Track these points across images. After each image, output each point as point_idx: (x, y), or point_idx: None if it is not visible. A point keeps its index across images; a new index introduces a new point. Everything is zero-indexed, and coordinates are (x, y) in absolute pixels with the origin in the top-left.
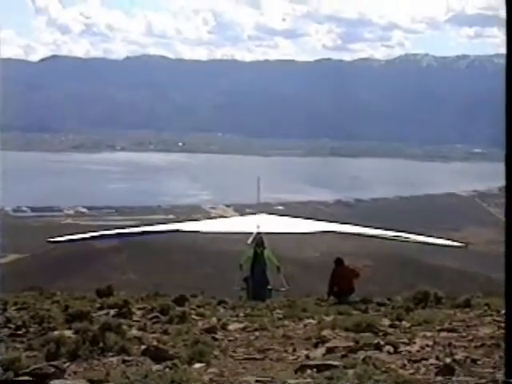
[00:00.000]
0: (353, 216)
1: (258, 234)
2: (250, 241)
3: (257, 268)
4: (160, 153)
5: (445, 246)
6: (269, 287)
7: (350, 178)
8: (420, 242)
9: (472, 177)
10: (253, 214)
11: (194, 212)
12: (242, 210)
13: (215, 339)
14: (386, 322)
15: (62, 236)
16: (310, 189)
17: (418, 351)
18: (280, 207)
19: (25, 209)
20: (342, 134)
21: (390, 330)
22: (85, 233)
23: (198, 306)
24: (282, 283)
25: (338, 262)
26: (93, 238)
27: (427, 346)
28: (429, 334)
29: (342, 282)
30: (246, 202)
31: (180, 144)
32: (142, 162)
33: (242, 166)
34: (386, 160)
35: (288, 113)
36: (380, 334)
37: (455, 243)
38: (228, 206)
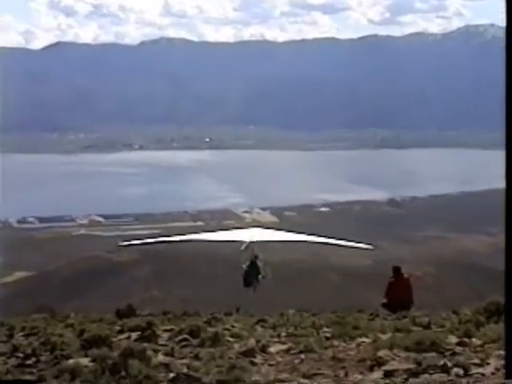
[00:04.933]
0: (409, 217)
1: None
2: (242, 247)
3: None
4: (184, 151)
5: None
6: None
7: (404, 172)
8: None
9: None
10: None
11: (225, 217)
12: (279, 214)
13: (254, 364)
14: (453, 339)
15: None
16: (357, 187)
17: (493, 373)
18: (324, 209)
19: (31, 219)
20: (392, 122)
21: (458, 349)
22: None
23: (233, 326)
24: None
25: (396, 270)
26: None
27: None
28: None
29: (400, 293)
30: (284, 204)
31: (206, 140)
32: (164, 162)
33: (278, 162)
34: (444, 150)
35: (330, 100)
36: (446, 353)
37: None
38: (264, 209)
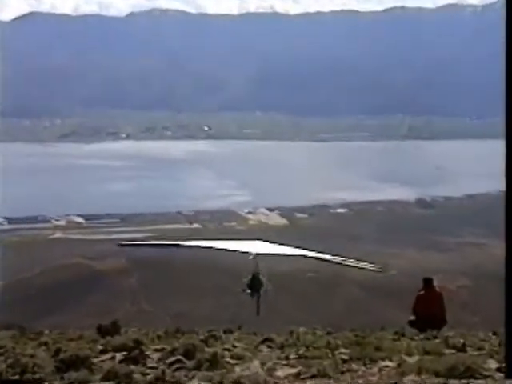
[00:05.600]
0: (441, 220)
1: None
2: (251, 257)
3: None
4: (179, 141)
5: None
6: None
7: (435, 167)
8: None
9: None
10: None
11: (227, 219)
12: (289, 215)
13: None
14: (492, 364)
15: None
16: (380, 184)
17: None
18: (341, 210)
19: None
20: (422, 108)
21: (498, 376)
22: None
23: (234, 346)
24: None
25: (427, 282)
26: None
27: None
28: None
29: (430, 309)
30: (294, 205)
31: (205, 128)
32: (156, 154)
33: (288, 155)
34: (483, 142)
35: (349, 82)
36: (484, 380)
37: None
38: (271, 209)
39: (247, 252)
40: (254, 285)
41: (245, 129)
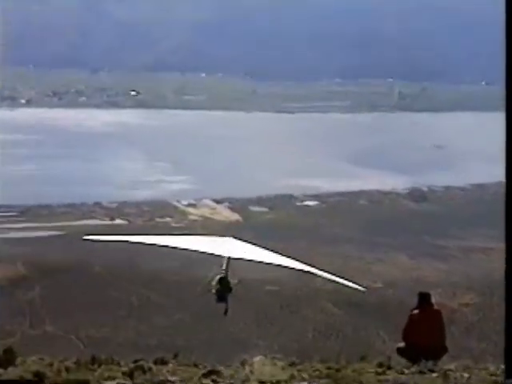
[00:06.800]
0: (440, 217)
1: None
2: (224, 266)
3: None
4: (97, 109)
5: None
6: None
7: (434, 148)
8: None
9: None
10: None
11: (160, 213)
12: (243, 209)
13: None
14: None
15: None
16: (363, 169)
17: None
18: (310, 202)
19: None
20: (416, 71)
21: None
22: None
23: (168, 380)
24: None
25: (423, 298)
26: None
27: None
28: None
29: (426, 333)
30: (250, 195)
31: (132, 93)
32: (66, 126)
33: (242, 130)
34: (494, 115)
35: (325, 36)
36: None
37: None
38: (219, 201)
39: (219, 255)
40: (223, 289)
41: (185, 94)
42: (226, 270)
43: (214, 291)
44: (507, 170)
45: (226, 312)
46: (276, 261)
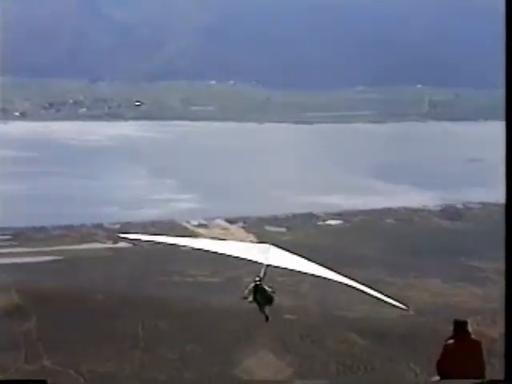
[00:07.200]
0: (477, 237)
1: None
2: (261, 274)
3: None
4: (98, 121)
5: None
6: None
7: (469, 161)
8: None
9: None
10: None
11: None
12: (258, 229)
13: None
14: None
15: None
16: (390, 185)
17: None
18: (333, 222)
19: None
20: (449, 77)
21: None
22: None
23: None
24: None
25: (459, 327)
26: None
27: None
28: None
29: (463, 364)
30: (265, 214)
31: (136, 103)
32: (64, 140)
33: (256, 143)
34: None
35: (348, 40)
36: None
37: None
38: (232, 221)
39: (257, 261)
40: (260, 299)
41: (192, 104)
42: (263, 277)
43: (249, 300)
44: (507, 170)
45: (267, 319)
46: (315, 271)
